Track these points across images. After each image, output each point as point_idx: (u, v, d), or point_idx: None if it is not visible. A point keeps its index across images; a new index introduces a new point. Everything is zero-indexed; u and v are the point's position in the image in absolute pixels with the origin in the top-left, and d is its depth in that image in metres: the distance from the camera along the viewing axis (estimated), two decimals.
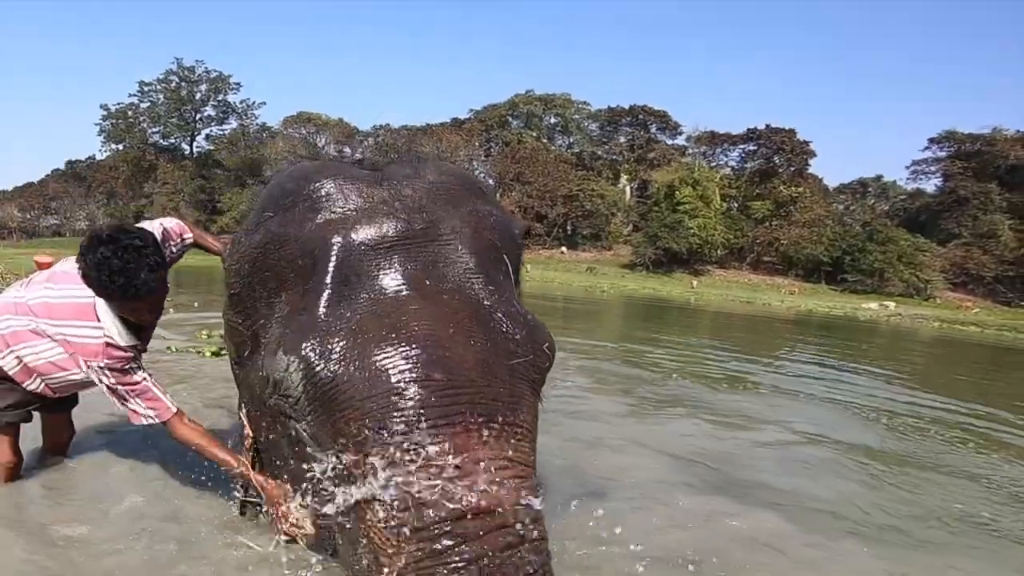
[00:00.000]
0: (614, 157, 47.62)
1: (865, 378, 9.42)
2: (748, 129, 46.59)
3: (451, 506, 1.77)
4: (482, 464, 1.83)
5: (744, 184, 45.58)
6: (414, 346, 1.93)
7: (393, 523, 1.80)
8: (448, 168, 2.49)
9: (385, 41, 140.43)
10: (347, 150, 45.77)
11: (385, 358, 1.91)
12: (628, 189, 45.78)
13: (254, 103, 47.63)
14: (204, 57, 69.66)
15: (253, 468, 2.52)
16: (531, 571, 1.76)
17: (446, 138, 43.32)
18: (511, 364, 2.01)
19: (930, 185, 48.41)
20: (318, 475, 2.03)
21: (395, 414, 1.87)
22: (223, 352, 5.75)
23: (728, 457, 4.46)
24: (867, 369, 10.47)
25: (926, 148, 48.13)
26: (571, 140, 48.72)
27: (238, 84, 46.80)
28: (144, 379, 2.64)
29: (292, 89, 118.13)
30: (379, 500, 1.82)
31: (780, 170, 45.26)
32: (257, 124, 48.17)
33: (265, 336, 2.25)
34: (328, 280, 2.09)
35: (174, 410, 2.66)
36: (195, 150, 47.86)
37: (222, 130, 47.94)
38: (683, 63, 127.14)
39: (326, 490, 2.02)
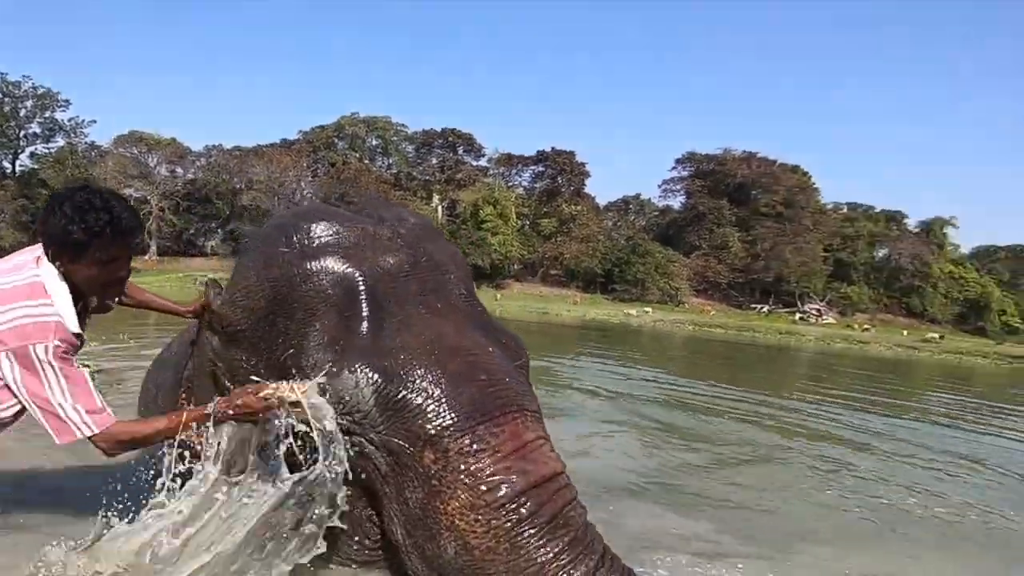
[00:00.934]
0: (427, 178, 50.94)
1: (646, 371, 12.36)
2: (538, 151, 51.78)
3: (525, 479, 2.13)
4: (531, 443, 2.24)
5: (534, 203, 50.63)
6: (457, 356, 2.32)
7: (480, 503, 2.09)
8: (412, 212, 2.99)
9: (215, 60, 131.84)
10: (179, 170, 46.81)
11: (440, 367, 2.26)
12: (440, 209, 49.08)
13: (83, 121, 46.27)
14: (31, 72, 63.57)
15: None
16: (583, 519, 2.23)
17: (276, 159, 44.72)
18: (516, 365, 2.49)
19: (676, 202, 55.39)
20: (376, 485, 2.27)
21: (459, 412, 2.20)
22: None
23: None
24: (645, 365, 13.74)
25: (673, 168, 55.15)
26: (390, 161, 51.52)
27: (67, 101, 45.36)
28: (87, 378, 2.27)
29: (123, 107, 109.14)
30: (461, 486, 2.11)
31: (563, 189, 50.49)
32: (86, 143, 46.69)
33: (303, 363, 2.37)
34: (366, 306, 2.39)
35: (115, 417, 2.24)
36: (18, 168, 45.93)
37: (48, 148, 46.10)
38: (484, 86, 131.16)
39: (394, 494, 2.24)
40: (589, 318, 35.78)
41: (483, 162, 53.14)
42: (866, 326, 46.51)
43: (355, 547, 2.51)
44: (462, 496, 2.10)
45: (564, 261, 48.22)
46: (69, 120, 46.77)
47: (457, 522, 2.10)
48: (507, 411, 2.27)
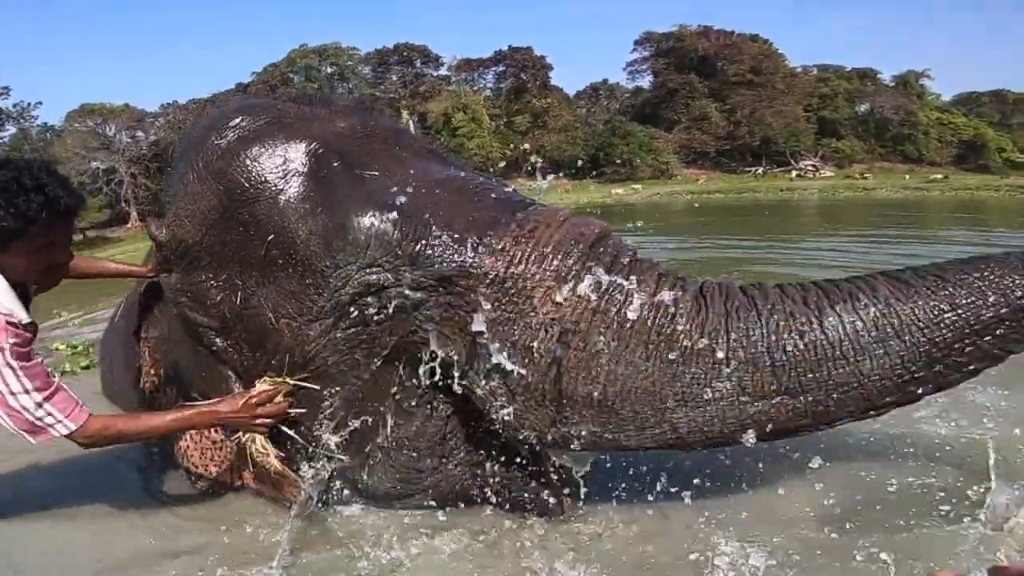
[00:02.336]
0: (391, 95, 50.45)
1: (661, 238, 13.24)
2: (495, 52, 51.48)
3: (593, 230, 2.09)
4: (573, 214, 2.20)
5: (504, 102, 50.30)
6: (457, 179, 2.30)
7: (571, 270, 1.98)
8: (340, 96, 4.07)
9: (153, 17, 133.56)
10: (140, 134, 46.25)
11: (449, 188, 2.21)
12: (411, 123, 48.47)
13: (29, 104, 45.63)
14: None
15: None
16: (652, 260, 2.19)
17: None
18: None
19: (645, 82, 55.42)
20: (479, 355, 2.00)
21: (495, 209, 2.13)
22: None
23: None
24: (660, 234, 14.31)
25: (633, 50, 54.75)
26: (350, 86, 50.85)
27: (7, 88, 44.42)
28: (51, 372, 2.11)
29: (69, 84, 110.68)
30: (546, 265, 1.98)
31: (529, 85, 50.22)
32: (38, 125, 46.28)
33: (294, 241, 2.16)
34: (339, 163, 2.26)
35: (87, 411, 2.13)
36: None
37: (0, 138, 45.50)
38: None
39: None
40: (584, 202, 35.20)
41: (443, 71, 52.97)
42: (868, 175, 45.91)
43: (402, 458, 2.29)
44: (544, 277, 1.95)
45: (546, 153, 47.67)
46: (14, 107, 46.05)
47: (549, 309, 1.93)
48: (532, 202, 2.21)
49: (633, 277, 1.94)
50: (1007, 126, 54.66)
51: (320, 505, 2.48)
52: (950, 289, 1.75)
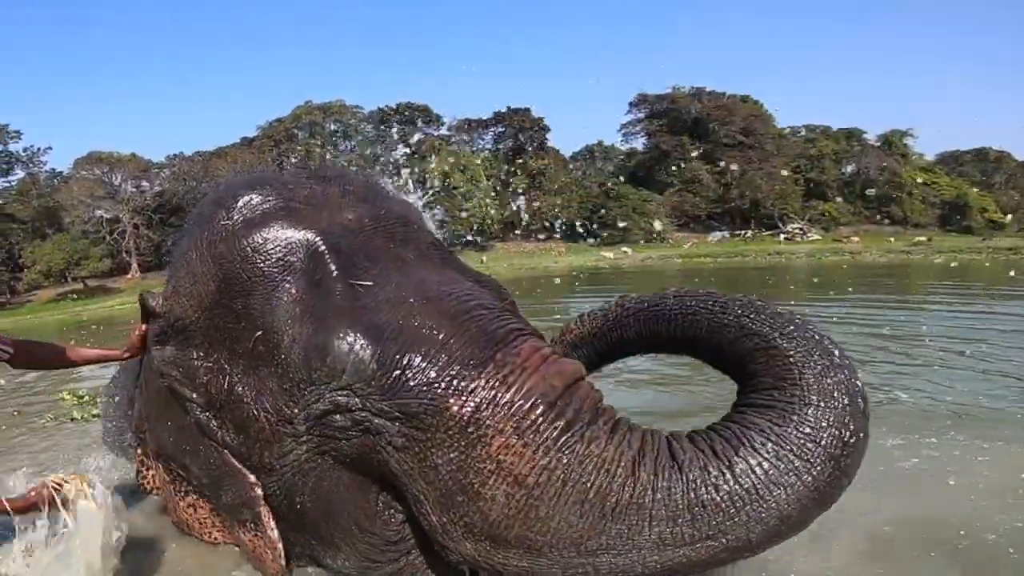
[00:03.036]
0: (392, 153, 49.62)
1: None
2: (495, 113, 52.81)
3: (562, 380, 2.01)
4: (553, 355, 2.13)
5: (501, 163, 51.04)
6: (450, 297, 2.15)
7: (526, 424, 1.92)
8: (360, 171, 2.82)
9: (160, 69, 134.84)
10: (145, 184, 46.91)
11: (436, 311, 2.08)
12: (410, 183, 48.77)
13: (39, 149, 46.45)
14: None
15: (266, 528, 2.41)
16: (614, 414, 2.06)
17: (240, 158, 44.84)
18: (505, 303, 2.35)
19: (639, 143, 56.75)
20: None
21: (473, 344, 2.02)
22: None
23: None
24: None
25: (628, 112, 56.24)
26: (352, 144, 52.12)
27: (18, 132, 45.51)
28: None
29: (78, 130, 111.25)
30: (502, 418, 1.93)
31: (527, 146, 51.66)
32: (46, 171, 46.81)
33: (279, 342, 2.17)
34: (335, 266, 2.20)
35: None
36: None
37: (8, 182, 46.09)
38: (429, 58, 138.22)
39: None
40: (578, 265, 36.42)
41: (444, 131, 53.97)
42: (854, 238, 47.23)
43: (363, 549, 2.32)
44: (507, 426, 1.93)
45: (542, 215, 48.66)
46: (24, 151, 46.84)
47: (504, 459, 1.91)
48: (520, 334, 2.14)
49: (588, 433, 1.95)
50: (989, 185, 56.06)
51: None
52: (814, 403, 1.86)
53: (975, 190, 52.96)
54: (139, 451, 2.97)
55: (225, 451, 2.42)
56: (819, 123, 57.53)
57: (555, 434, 1.92)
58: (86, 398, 6.61)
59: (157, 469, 2.86)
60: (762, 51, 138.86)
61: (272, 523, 2.38)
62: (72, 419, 5.81)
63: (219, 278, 2.32)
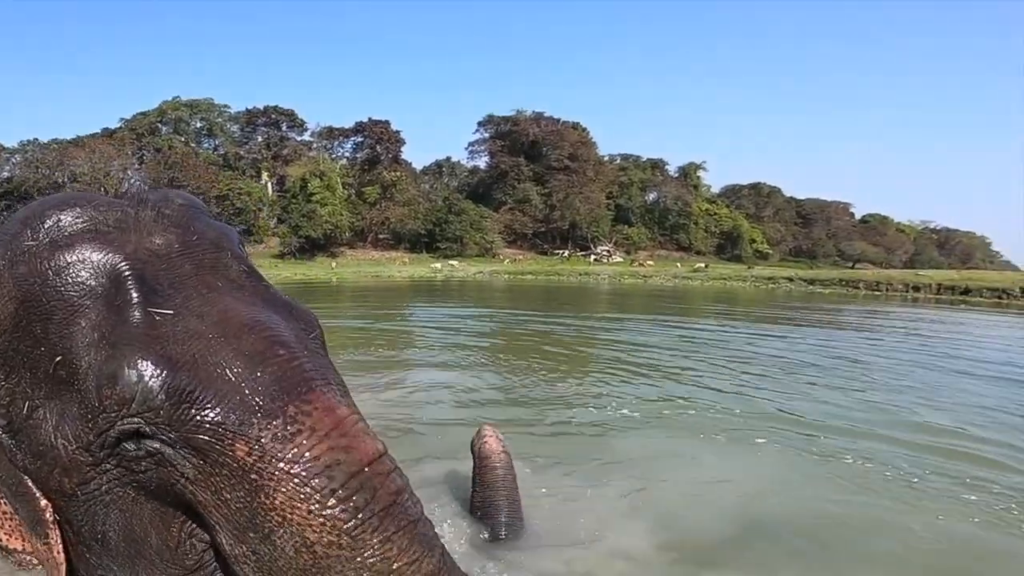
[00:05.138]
0: (255, 156, 52.29)
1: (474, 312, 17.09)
2: (356, 123, 54.87)
3: (351, 459, 1.85)
4: (347, 419, 1.93)
5: (357, 172, 53.54)
6: (250, 333, 2.00)
7: (308, 492, 1.80)
8: (181, 193, 2.48)
9: (21, 52, 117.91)
10: None
11: (233, 347, 1.95)
12: (269, 185, 50.80)
13: None
14: None
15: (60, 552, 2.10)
16: (421, 511, 1.89)
17: (98, 149, 44.36)
18: (310, 338, 2.19)
19: (482, 162, 60.15)
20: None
21: (265, 393, 1.89)
22: None
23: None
24: (472, 309, 18.22)
25: (476, 131, 59.98)
26: (216, 143, 52.10)
27: None
28: None
29: None
30: (284, 476, 1.81)
31: (382, 157, 53.78)
32: None
33: (76, 369, 1.99)
34: (136, 293, 2.01)
35: None
36: None
37: None
38: (300, 61, 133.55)
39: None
40: (418, 277, 38.63)
41: (307, 136, 55.38)
42: (649, 262, 53.41)
43: None
44: (288, 487, 1.80)
45: (390, 225, 51.64)
46: None
47: (289, 516, 1.80)
48: (314, 386, 1.97)
49: (379, 527, 1.82)
50: (760, 218, 65.51)
51: None
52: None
53: (747, 223, 62.33)
54: None
55: (23, 474, 2.14)
56: (632, 152, 65.17)
57: (343, 516, 1.81)
58: None
59: None
60: (595, 81, 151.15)
61: (60, 546, 2.12)
62: None
63: (19, 300, 2.08)
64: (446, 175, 62.93)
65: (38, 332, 2.02)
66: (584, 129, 61.29)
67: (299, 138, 55.21)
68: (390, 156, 54.77)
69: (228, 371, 1.88)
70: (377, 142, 54.49)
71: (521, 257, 53.41)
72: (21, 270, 2.04)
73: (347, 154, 56.59)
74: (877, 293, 32.49)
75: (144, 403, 1.83)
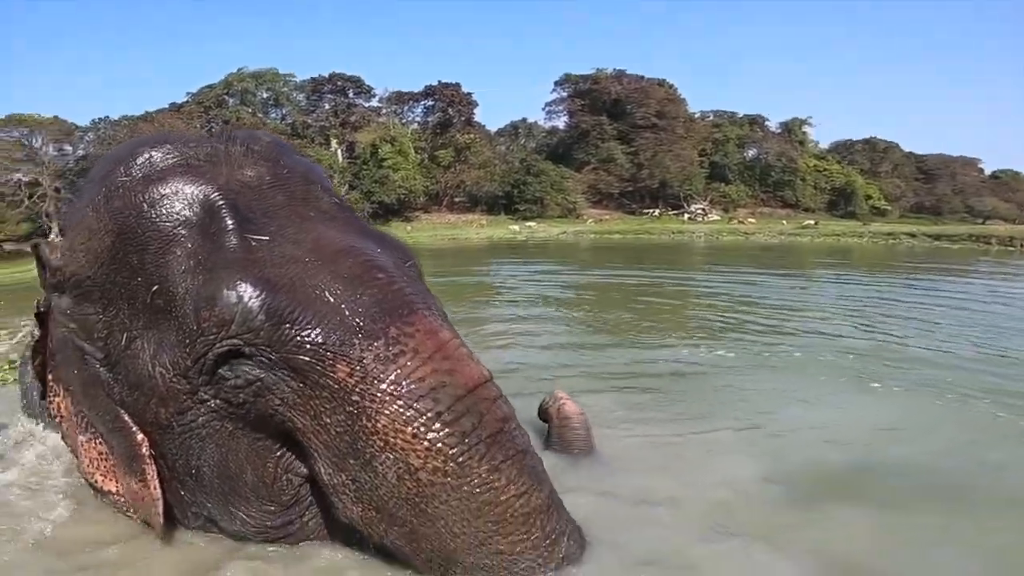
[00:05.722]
0: (322, 123, 51.18)
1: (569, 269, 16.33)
2: (426, 86, 52.91)
3: (457, 383, 1.88)
4: (451, 343, 1.98)
5: (429, 136, 51.80)
6: (348, 257, 2.05)
7: (413, 414, 1.82)
8: (266, 132, 2.71)
9: (88, 32, 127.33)
10: (67, 148, 45.35)
11: (331, 270, 1.99)
12: (339, 152, 49.70)
13: None
14: None
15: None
16: (528, 442, 1.95)
17: (167, 123, 43.42)
18: (407, 266, 2.27)
19: (561, 122, 57.78)
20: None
21: (366, 314, 1.92)
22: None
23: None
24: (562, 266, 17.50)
25: (553, 91, 57.58)
26: (283, 112, 51.47)
27: None
28: None
29: None
30: (388, 398, 1.84)
31: (454, 121, 52.06)
32: None
33: (174, 295, 2.07)
34: (231, 221, 2.10)
35: None
36: None
37: None
38: (372, 28, 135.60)
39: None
40: (497, 238, 37.59)
41: (375, 102, 54.02)
42: (751, 219, 49.75)
43: (258, 515, 2.24)
44: (391, 409, 1.87)
45: (466, 188, 49.76)
46: None
47: (392, 440, 1.87)
48: (416, 309, 2.05)
49: (486, 455, 1.89)
50: (876, 173, 60.21)
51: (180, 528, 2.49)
52: None
53: (861, 179, 57.11)
54: (50, 376, 2.73)
55: (119, 407, 2.32)
56: (727, 109, 60.44)
57: (449, 440, 1.84)
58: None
59: (64, 399, 2.67)
60: (680, 38, 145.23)
61: (156, 481, 2.26)
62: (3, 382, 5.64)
63: (115, 233, 2.23)
64: (523, 136, 60.33)
65: (135, 263, 2.17)
66: (671, 86, 57.38)
67: (367, 104, 53.69)
68: (463, 119, 52.71)
69: (327, 293, 1.96)
70: (449, 105, 52.56)
71: (607, 217, 50.39)
72: (116, 204, 2.24)
73: (417, 118, 54.81)
74: (1011, 249, 29.21)
75: (244, 323, 1.95)
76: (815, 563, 2.45)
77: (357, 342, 1.92)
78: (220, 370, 2.06)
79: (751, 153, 58.02)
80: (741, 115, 59.91)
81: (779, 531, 2.68)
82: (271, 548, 2.32)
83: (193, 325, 2.04)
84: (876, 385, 5.15)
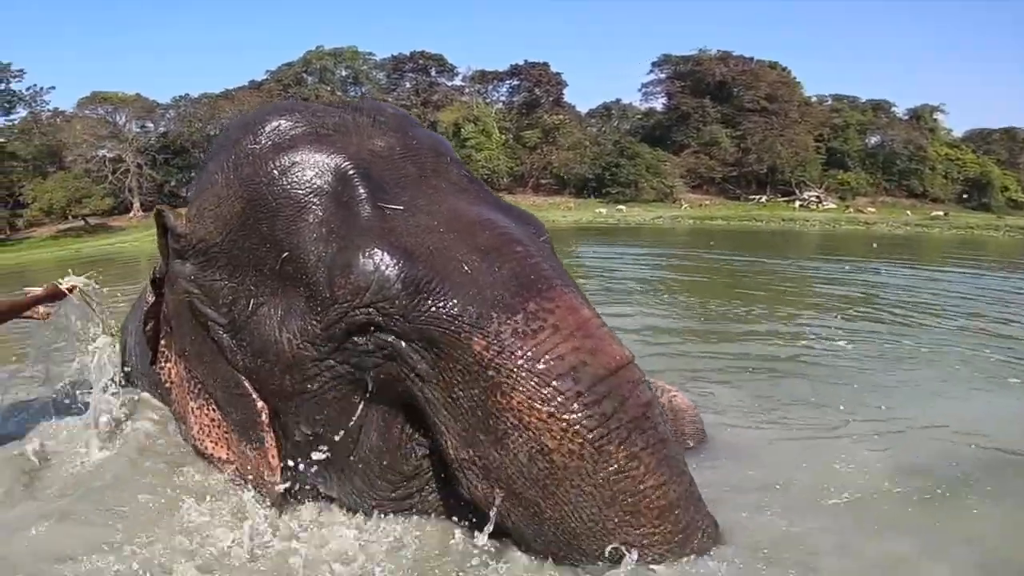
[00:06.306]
0: (403, 102, 49.52)
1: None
2: (511, 65, 51.38)
3: (598, 362, 1.85)
4: (592, 321, 1.96)
5: (515, 116, 50.32)
6: (484, 229, 2.05)
7: (551, 393, 1.80)
8: (390, 104, 2.76)
9: (169, 10, 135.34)
10: (149, 124, 46.26)
11: (468, 241, 1.99)
12: None
13: (42, 88, 45.36)
14: None
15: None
16: (667, 433, 1.92)
17: (247, 101, 43.61)
18: (541, 240, 2.27)
19: (659, 104, 55.68)
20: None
21: (505, 287, 1.90)
22: None
23: None
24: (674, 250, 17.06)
25: (650, 71, 55.01)
26: (363, 90, 50.95)
27: (21, 71, 44.42)
28: None
29: (83, 71, 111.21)
30: (525, 373, 1.81)
31: (542, 101, 50.42)
32: (49, 110, 45.84)
33: (305, 262, 2.09)
34: (364, 190, 2.11)
35: None
36: None
37: (10, 120, 45.23)
38: (456, 6, 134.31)
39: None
40: (586, 221, 36.25)
41: (458, 81, 52.99)
42: (871, 208, 46.63)
43: (379, 483, 2.24)
44: (528, 385, 1.82)
45: (553, 170, 48.09)
46: (27, 90, 45.78)
47: (526, 418, 1.82)
48: (555, 284, 2.00)
49: (627, 439, 1.84)
50: (1015, 165, 55.21)
51: (291, 498, 2.45)
52: None
53: (998, 170, 52.29)
54: (162, 342, 2.85)
55: (240, 375, 2.36)
56: (847, 93, 56.28)
57: (587, 423, 1.79)
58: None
59: (176, 365, 2.74)
60: (795, 20, 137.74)
61: (275, 450, 2.30)
62: None
63: (245, 200, 2.26)
64: (616, 118, 57.58)
65: (264, 230, 2.20)
66: (784, 68, 53.66)
67: (449, 83, 52.49)
68: (551, 99, 50.82)
69: (465, 264, 1.95)
70: (536, 85, 50.70)
71: (708, 202, 47.64)
72: (246, 171, 2.27)
73: (502, 98, 53.16)
74: None
75: (379, 292, 1.95)
76: (968, 556, 2.36)
77: (495, 316, 1.90)
78: (351, 338, 2.06)
79: (874, 140, 53.92)
80: (864, 100, 55.55)
81: (921, 525, 2.63)
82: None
83: (326, 292, 2.05)
84: (1016, 380, 4.91)
